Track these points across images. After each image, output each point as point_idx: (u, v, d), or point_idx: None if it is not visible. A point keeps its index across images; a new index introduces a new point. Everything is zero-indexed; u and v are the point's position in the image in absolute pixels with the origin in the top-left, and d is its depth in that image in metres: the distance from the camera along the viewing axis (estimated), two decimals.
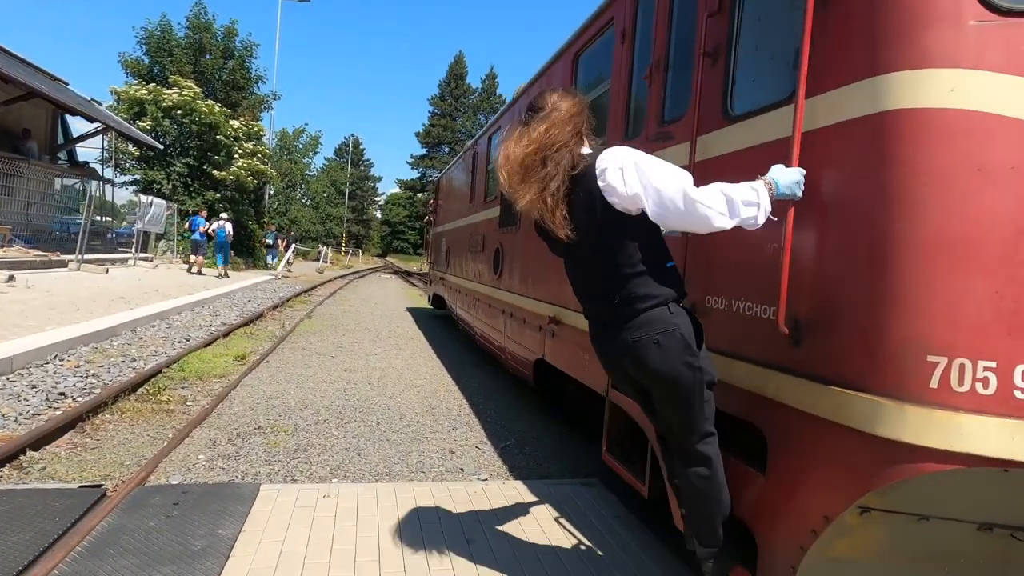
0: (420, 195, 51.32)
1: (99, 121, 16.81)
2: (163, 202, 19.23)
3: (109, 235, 18.96)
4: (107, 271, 13.09)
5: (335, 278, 24.89)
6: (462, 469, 4.10)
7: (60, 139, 18.66)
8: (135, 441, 4.16)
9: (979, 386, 1.55)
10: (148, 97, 21.31)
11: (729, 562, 2.20)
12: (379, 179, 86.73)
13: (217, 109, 22.28)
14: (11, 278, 9.50)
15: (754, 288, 2.20)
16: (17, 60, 14.75)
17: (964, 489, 1.64)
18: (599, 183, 2.00)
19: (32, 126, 15.36)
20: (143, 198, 18.12)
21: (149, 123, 21.12)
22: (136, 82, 22.76)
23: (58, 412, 4.50)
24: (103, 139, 19.94)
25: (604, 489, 3.64)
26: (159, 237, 20.36)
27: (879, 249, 1.70)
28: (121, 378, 5.55)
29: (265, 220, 28.26)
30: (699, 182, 2.00)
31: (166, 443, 4.06)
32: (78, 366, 5.80)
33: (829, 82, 1.87)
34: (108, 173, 20.44)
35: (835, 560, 1.86)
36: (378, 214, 78.91)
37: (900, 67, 1.68)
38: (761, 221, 1.92)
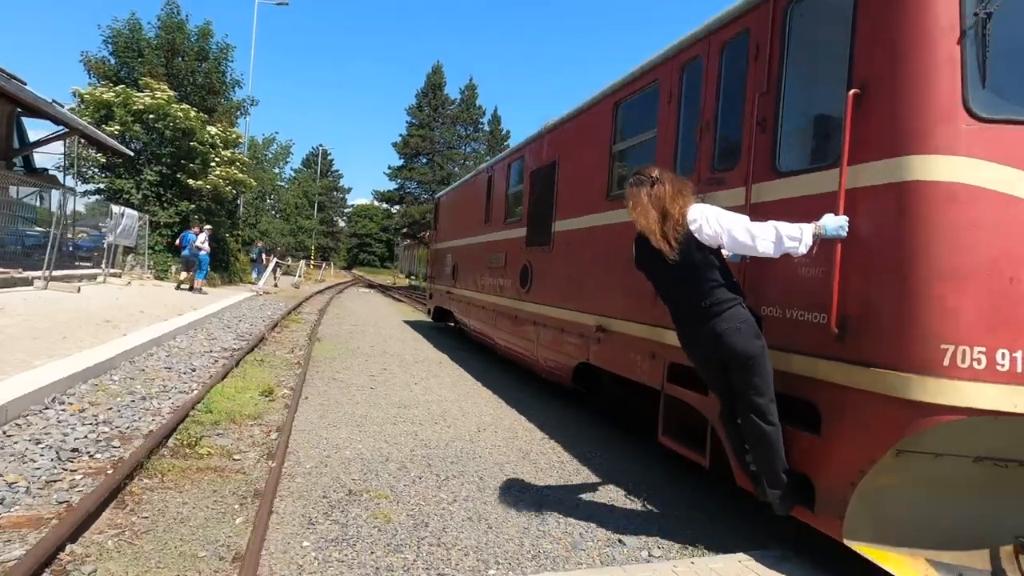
0: (398, 208, 50.77)
1: (64, 124, 15.52)
2: (135, 213, 18.20)
3: (65, 248, 16.82)
4: (78, 290, 12.20)
5: (315, 293, 24.70)
6: (622, 541, 3.46)
7: (16, 143, 16.99)
8: (196, 518, 3.37)
9: (975, 363, 2.38)
10: (116, 100, 19.91)
11: (791, 502, 2.98)
12: (348, 190, 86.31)
13: (193, 114, 21.04)
14: None
15: (804, 301, 3.01)
16: None
17: (965, 433, 2.46)
18: (691, 227, 2.85)
19: None
20: (114, 208, 16.97)
21: (117, 128, 19.72)
22: (103, 84, 21.35)
23: (77, 476, 3.73)
24: (64, 144, 18.58)
25: (801, 562, 3.13)
26: (127, 251, 19.13)
27: (905, 277, 2.52)
28: (138, 424, 4.85)
29: (239, 232, 28.01)
30: (755, 218, 2.95)
31: (249, 524, 3.27)
32: (83, 410, 4.98)
33: (864, 157, 2.70)
34: (69, 181, 19.26)
35: (876, 489, 2.66)
36: (343, 225, 78.55)
37: (917, 152, 2.51)
38: (801, 252, 2.81)
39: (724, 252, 3.09)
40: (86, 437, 4.37)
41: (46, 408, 4.85)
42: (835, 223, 2.74)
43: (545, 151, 6.90)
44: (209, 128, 22.17)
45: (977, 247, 2.43)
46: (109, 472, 3.77)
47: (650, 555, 3.32)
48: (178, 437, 4.61)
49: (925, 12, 2.55)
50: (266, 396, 6.25)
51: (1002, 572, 2.59)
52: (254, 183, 28.08)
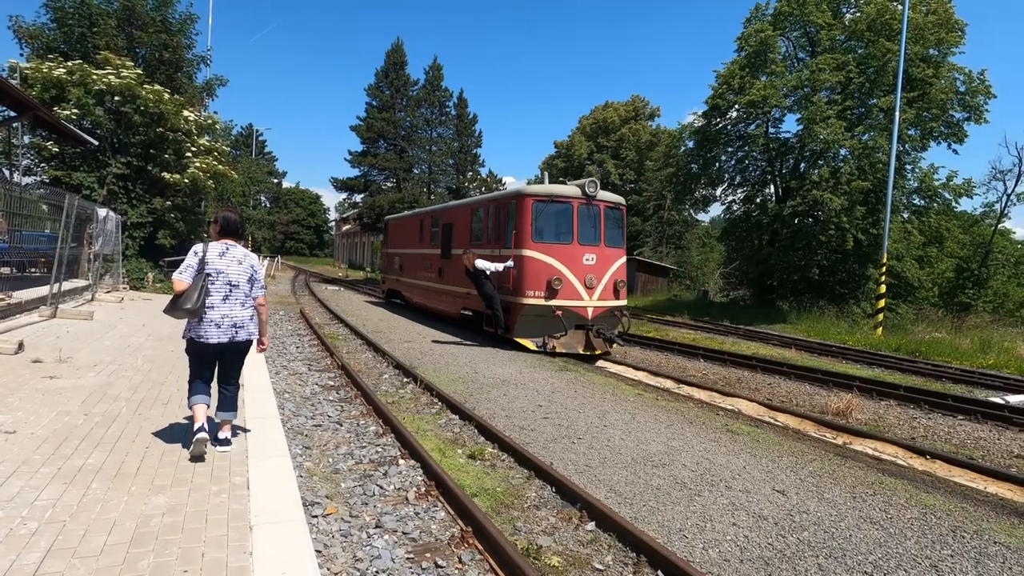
0: (360, 197, 43.70)
1: (26, 106, 11.40)
2: (114, 215, 16.07)
3: None
4: (91, 315, 10.15)
5: (292, 294, 24.04)
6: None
7: None
8: None
9: (532, 294, 11.44)
10: (71, 78, 16.52)
11: (508, 333, 11.93)
12: (283, 174, 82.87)
13: (167, 96, 17.77)
14: (21, 346, 7.00)
15: (506, 281, 11.96)
16: None
17: (534, 310, 11.51)
18: (477, 265, 11.82)
19: None
20: (99, 211, 14.68)
21: (74, 111, 16.34)
22: (51, 58, 17.35)
23: None
24: (8, 131, 16.29)
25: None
26: (96, 257, 15.10)
27: (522, 275, 11.55)
28: (412, 520, 3.90)
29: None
30: (497, 261, 11.93)
31: None
32: (336, 510, 4.02)
33: (516, 246, 11.71)
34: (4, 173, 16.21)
35: (521, 323, 11.69)
36: (267, 206, 75.07)
37: (523, 248, 11.55)
38: (501, 271, 11.84)
39: (486, 271, 11.89)
40: (395, 560, 3.34)
41: (313, 517, 3.79)
42: (511, 263, 11.68)
43: (450, 216, 15.64)
44: (185, 113, 18.82)
45: (534, 269, 11.48)
46: None
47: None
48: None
49: (525, 217, 11.55)
50: (476, 460, 5.30)
51: (542, 341, 11.70)
52: (236, 176, 24.16)
